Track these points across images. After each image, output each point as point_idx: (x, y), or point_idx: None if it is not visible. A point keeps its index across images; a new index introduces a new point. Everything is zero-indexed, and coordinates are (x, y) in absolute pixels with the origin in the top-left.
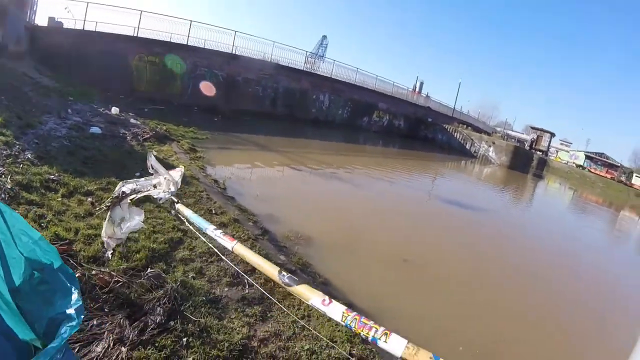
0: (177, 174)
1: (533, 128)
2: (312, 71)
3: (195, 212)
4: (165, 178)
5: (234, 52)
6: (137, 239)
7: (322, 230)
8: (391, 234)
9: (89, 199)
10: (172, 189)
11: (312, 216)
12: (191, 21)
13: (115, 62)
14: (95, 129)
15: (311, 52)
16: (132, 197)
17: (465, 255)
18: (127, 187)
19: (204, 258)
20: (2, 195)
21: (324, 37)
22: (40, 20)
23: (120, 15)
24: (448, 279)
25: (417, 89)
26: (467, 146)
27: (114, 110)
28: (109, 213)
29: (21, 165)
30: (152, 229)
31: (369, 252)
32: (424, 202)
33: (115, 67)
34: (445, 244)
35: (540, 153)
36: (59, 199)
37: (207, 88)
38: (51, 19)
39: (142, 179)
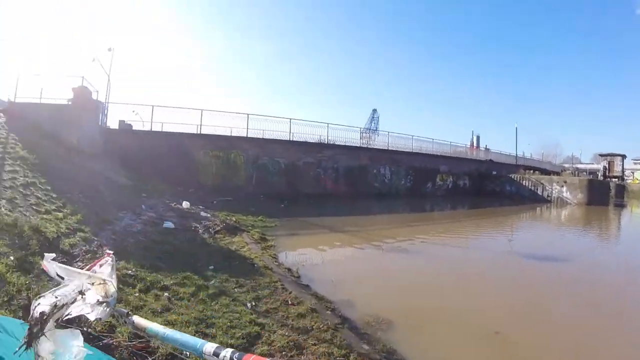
0: (105, 268)
1: (602, 155)
2: (369, 146)
3: (271, 304)
4: (90, 280)
5: (291, 139)
6: (214, 334)
7: (403, 309)
8: (474, 303)
9: (166, 294)
10: (111, 292)
11: (390, 296)
12: (248, 114)
13: (182, 158)
14: (168, 224)
15: (364, 128)
16: (56, 318)
17: (560, 319)
18: (44, 304)
19: (283, 352)
20: None
21: (374, 110)
22: (112, 123)
23: (183, 115)
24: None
25: (474, 144)
26: (539, 191)
27: (185, 204)
28: (33, 351)
29: None
30: (229, 323)
31: (456, 327)
32: (504, 262)
33: (182, 163)
34: (535, 307)
35: (616, 179)
36: (137, 294)
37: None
38: (121, 122)
39: (60, 285)
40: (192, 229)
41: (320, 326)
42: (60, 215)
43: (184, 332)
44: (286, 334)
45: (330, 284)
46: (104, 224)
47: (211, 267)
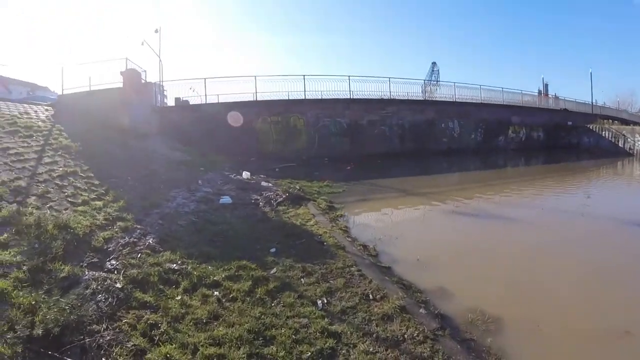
0: None
1: None
2: (434, 99)
3: (347, 299)
4: None
5: (351, 97)
6: (274, 355)
7: (506, 297)
8: (588, 293)
9: (215, 293)
10: None
11: (488, 277)
12: (304, 76)
13: (240, 127)
14: (225, 199)
15: (427, 80)
16: None
17: None
18: None
19: None
20: (110, 299)
21: (434, 63)
22: (172, 102)
23: (237, 85)
24: None
25: (544, 92)
26: (620, 144)
27: (245, 174)
28: None
29: (139, 255)
30: (294, 336)
31: (576, 324)
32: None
33: (241, 133)
34: None
35: None
36: (179, 297)
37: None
38: (177, 99)
39: None
40: (251, 203)
41: (415, 334)
42: (100, 204)
43: (235, 355)
44: (370, 349)
45: (416, 264)
46: (151, 208)
47: (272, 250)
